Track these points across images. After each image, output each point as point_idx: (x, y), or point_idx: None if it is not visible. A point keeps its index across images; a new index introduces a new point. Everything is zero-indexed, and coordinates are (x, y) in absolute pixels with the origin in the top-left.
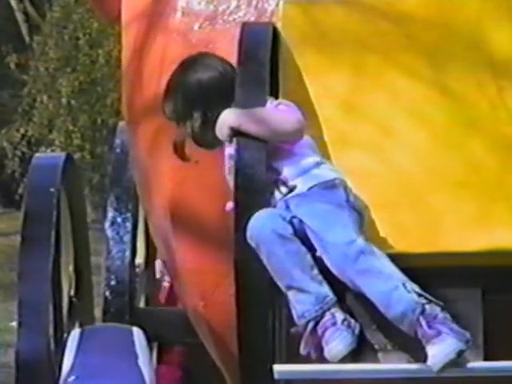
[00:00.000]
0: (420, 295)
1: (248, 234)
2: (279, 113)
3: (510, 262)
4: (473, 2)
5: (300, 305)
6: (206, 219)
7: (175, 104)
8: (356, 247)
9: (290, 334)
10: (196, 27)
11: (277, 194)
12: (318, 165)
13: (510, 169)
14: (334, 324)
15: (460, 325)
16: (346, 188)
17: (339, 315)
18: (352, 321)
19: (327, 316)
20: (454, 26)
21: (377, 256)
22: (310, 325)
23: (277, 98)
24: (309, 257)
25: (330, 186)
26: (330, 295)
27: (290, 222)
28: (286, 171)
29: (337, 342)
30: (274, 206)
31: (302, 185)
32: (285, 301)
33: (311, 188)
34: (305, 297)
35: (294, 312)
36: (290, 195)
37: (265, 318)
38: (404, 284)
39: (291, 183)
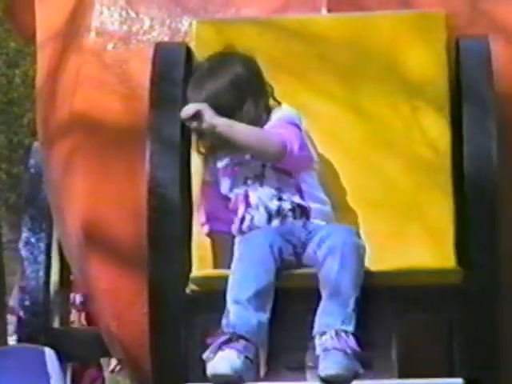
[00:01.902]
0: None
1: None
2: (261, 133)
3: (424, 282)
4: (386, 22)
5: (238, 319)
6: (119, 239)
7: (225, 96)
8: (359, 242)
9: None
10: (110, 47)
11: (288, 214)
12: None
13: (424, 188)
14: (238, 347)
15: (375, 344)
16: None
17: (247, 345)
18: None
19: (241, 341)
20: (368, 47)
21: (362, 265)
22: (224, 337)
23: None
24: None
25: None
26: (264, 334)
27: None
28: (313, 205)
29: (224, 359)
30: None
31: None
32: (198, 320)
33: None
34: (246, 315)
35: (225, 319)
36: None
37: (177, 337)
38: (356, 302)
39: (313, 219)
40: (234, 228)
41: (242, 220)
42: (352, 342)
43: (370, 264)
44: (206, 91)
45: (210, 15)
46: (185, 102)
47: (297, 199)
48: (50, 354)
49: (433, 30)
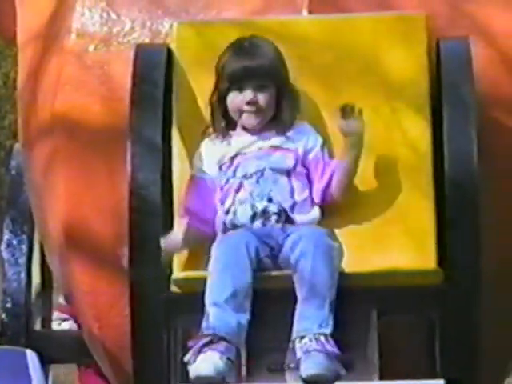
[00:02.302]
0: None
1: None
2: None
3: (405, 283)
4: (367, 24)
5: (218, 321)
6: (100, 241)
7: (278, 67)
8: (331, 243)
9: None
10: (91, 49)
11: (272, 217)
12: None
13: (405, 189)
14: (220, 349)
15: (356, 345)
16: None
17: (228, 346)
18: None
19: (222, 343)
20: (348, 48)
21: (336, 266)
22: (205, 340)
23: (170, 119)
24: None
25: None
26: (243, 335)
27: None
28: (298, 217)
29: (207, 361)
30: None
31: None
32: (180, 322)
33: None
34: (226, 316)
35: (205, 322)
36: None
37: (159, 339)
38: (331, 303)
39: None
40: (218, 219)
41: (227, 212)
42: (331, 344)
43: (351, 265)
44: (259, 59)
45: (191, 17)
46: (166, 104)
47: (286, 204)
48: (31, 356)
49: (413, 32)
